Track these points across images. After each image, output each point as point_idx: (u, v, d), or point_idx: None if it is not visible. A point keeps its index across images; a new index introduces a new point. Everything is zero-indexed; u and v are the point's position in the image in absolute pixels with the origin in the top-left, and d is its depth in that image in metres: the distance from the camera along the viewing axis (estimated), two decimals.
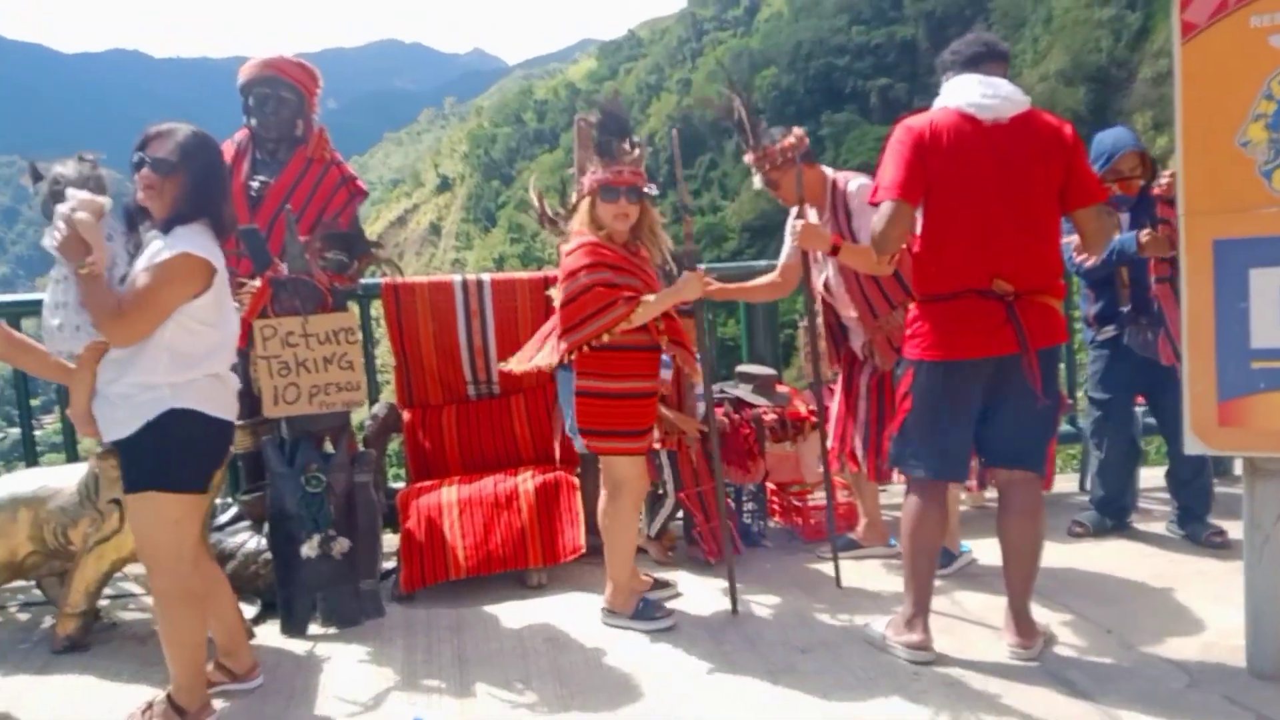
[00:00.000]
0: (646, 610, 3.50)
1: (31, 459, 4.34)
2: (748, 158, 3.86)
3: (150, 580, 2.84)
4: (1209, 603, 3.44)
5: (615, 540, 3.50)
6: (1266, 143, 2.65)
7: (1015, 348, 2.94)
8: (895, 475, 3.81)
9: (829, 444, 3.99)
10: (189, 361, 2.74)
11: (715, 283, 3.79)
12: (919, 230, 3.06)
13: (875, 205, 3.03)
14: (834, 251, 3.52)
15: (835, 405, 4.09)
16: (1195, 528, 4.07)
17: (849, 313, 3.89)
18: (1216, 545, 3.96)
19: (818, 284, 3.90)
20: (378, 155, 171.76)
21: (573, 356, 3.32)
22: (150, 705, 2.85)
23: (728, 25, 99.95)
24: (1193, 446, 2.83)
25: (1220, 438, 2.78)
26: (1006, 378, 2.99)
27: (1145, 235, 3.86)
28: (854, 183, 3.78)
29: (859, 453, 3.94)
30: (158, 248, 2.68)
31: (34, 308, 4.06)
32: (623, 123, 3.44)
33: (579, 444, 3.50)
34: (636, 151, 3.41)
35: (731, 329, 5.22)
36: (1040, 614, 3.41)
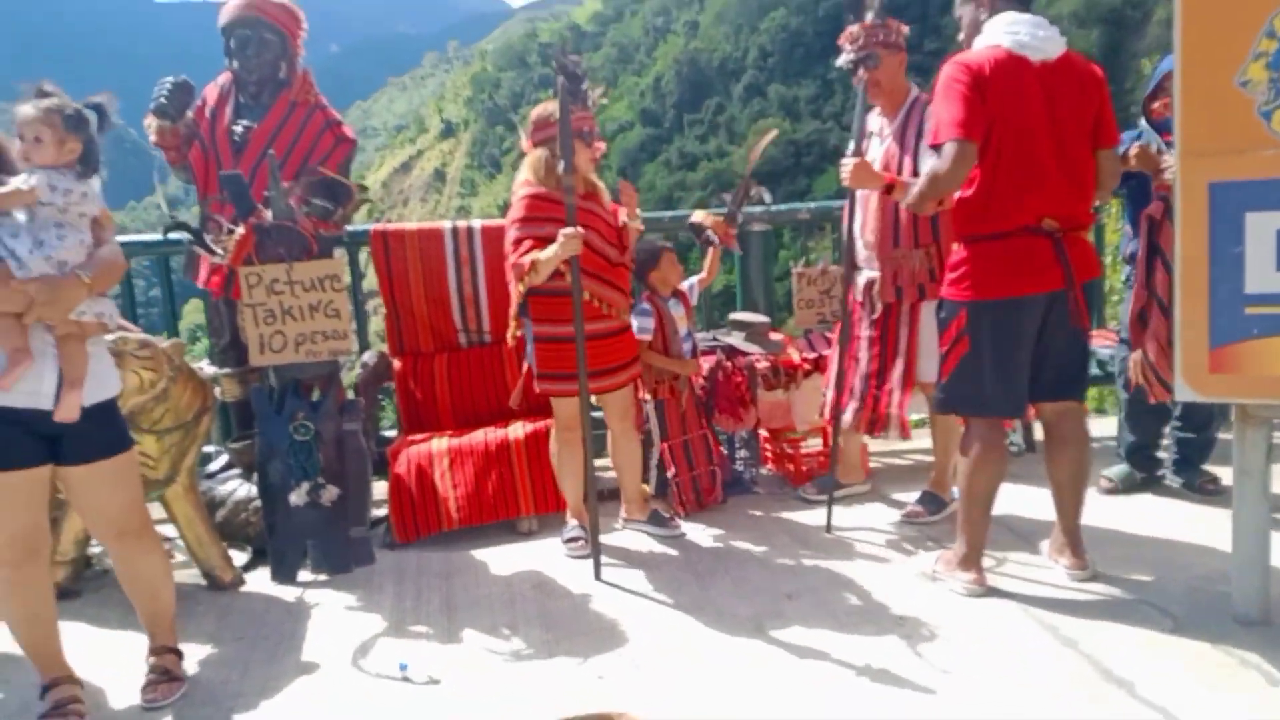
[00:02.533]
0: (658, 518, 3.85)
1: None
2: (849, 35, 3.68)
3: (148, 532, 2.83)
4: (1197, 548, 3.44)
5: (562, 474, 3.76)
6: (1267, 82, 2.56)
7: (1063, 283, 3.01)
8: (893, 429, 3.83)
9: (828, 394, 3.97)
10: None
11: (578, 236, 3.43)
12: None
13: (936, 147, 2.99)
14: (888, 191, 3.42)
15: (835, 354, 4.05)
16: (1190, 474, 4.03)
17: (868, 237, 3.78)
18: (1209, 492, 3.91)
19: (853, 204, 3.81)
20: (381, 101, 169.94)
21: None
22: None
23: None
24: (1183, 393, 2.79)
25: (1211, 385, 2.74)
26: (1053, 313, 3.06)
27: (1135, 148, 3.54)
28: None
29: (854, 403, 3.89)
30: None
31: None
32: (583, 73, 3.52)
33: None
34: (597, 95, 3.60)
35: (721, 279, 5.17)
36: (1028, 559, 3.42)
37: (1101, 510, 3.78)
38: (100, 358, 2.68)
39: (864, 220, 3.80)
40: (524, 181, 3.56)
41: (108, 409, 2.68)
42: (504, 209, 3.67)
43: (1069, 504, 3.26)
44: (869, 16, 3.65)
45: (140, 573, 2.83)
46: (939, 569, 3.31)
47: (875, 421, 3.87)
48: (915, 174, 3.48)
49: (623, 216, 3.67)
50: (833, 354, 4.06)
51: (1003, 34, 3.00)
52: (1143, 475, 4.09)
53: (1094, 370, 4.97)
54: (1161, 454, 4.14)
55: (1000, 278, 3.03)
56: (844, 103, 63.54)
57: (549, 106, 3.49)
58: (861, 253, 3.85)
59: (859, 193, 3.78)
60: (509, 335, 3.63)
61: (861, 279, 3.86)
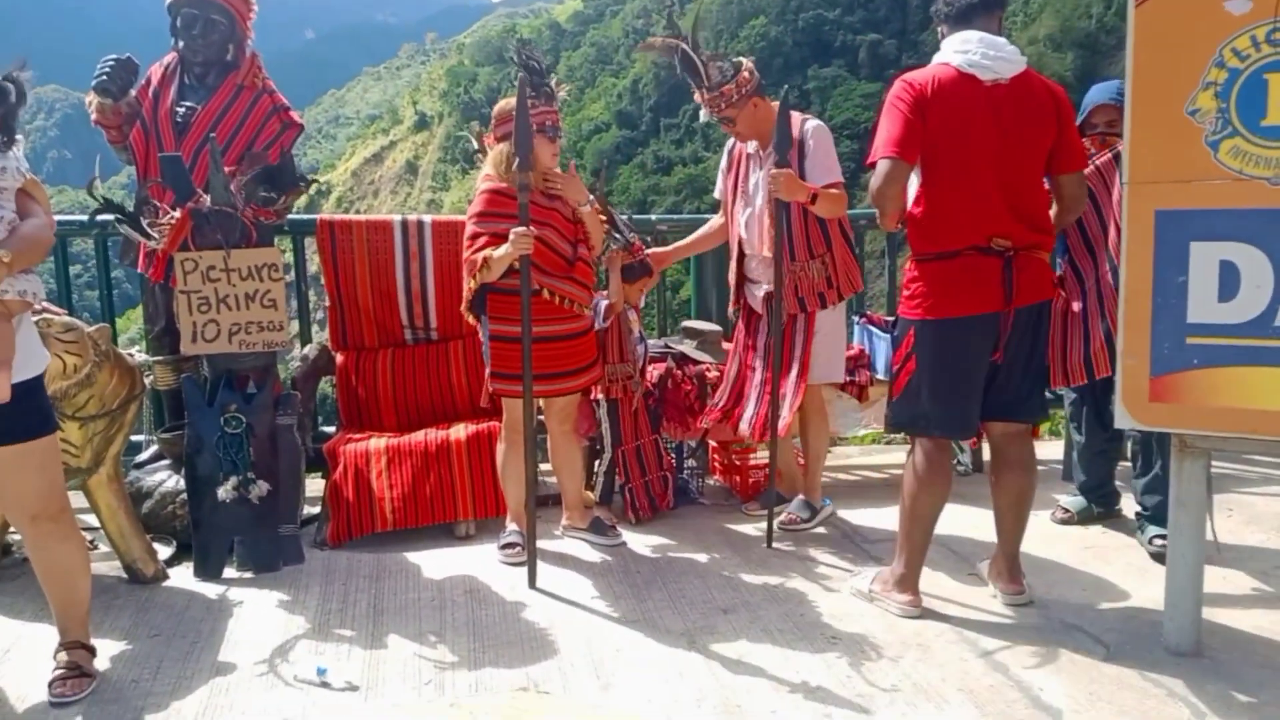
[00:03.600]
0: (599, 526, 3.79)
1: None
2: (699, 97, 3.75)
3: (64, 519, 2.69)
4: (1133, 576, 3.43)
5: (505, 477, 3.68)
6: (1215, 112, 2.55)
7: (1015, 302, 3.00)
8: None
9: (719, 403, 4.02)
10: None
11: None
12: (916, 189, 3.05)
13: (871, 165, 3.00)
14: (812, 201, 3.54)
15: (732, 366, 4.05)
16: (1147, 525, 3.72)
17: (763, 253, 3.82)
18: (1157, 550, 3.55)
19: (739, 221, 3.89)
20: (355, 89, 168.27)
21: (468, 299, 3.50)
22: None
23: None
24: (1123, 421, 2.77)
25: (1151, 413, 2.73)
26: (1011, 332, 3.04)
27: None
28: (811, 122, 3.74)
29: (750, 411, 3.91)
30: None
31: None
32: (545, 67, 3.50)
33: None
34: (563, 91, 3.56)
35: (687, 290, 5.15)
36: (966, 581, 3.39)
37: (1045, 536, 3.76)
38: (26, 336, 2.57)
39: (758, 235, 3.83)
40: (484, 176, 3.52)
41: (33, 389, 2.58)
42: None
43: (1010, 529, 3.24)
44: (707, 91, 3.68)
45: (55, 561, 2.71)
46: (875, 589, 3.27)
47: (767, 427, 3.86)
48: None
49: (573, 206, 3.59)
50: (729, 365, 4.08)
51: (953, 53, 3.00)
52: (1100, 510, 3.99)
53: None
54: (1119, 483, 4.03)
55: (948, 297, 3.02)
56: (820, 114, 63.88)
57: (511, 101, 3.42)
58: (758, 268, 3.91)
59: (751, 209, 3.85)
60: (471, 322, 3.61)
61: (759, 291, 3.91)
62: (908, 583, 3.20)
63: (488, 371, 3.58)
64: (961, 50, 2.98)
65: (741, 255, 3.96)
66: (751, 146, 3.85)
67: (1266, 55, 2.49)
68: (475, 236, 3.42)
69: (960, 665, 2.83)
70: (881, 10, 72.87)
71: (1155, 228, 2.64)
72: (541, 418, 3.86)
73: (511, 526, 3.69)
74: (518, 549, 3.57)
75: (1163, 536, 3.38)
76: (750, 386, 3.96)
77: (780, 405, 3.79)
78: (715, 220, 4.14)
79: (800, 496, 4.03)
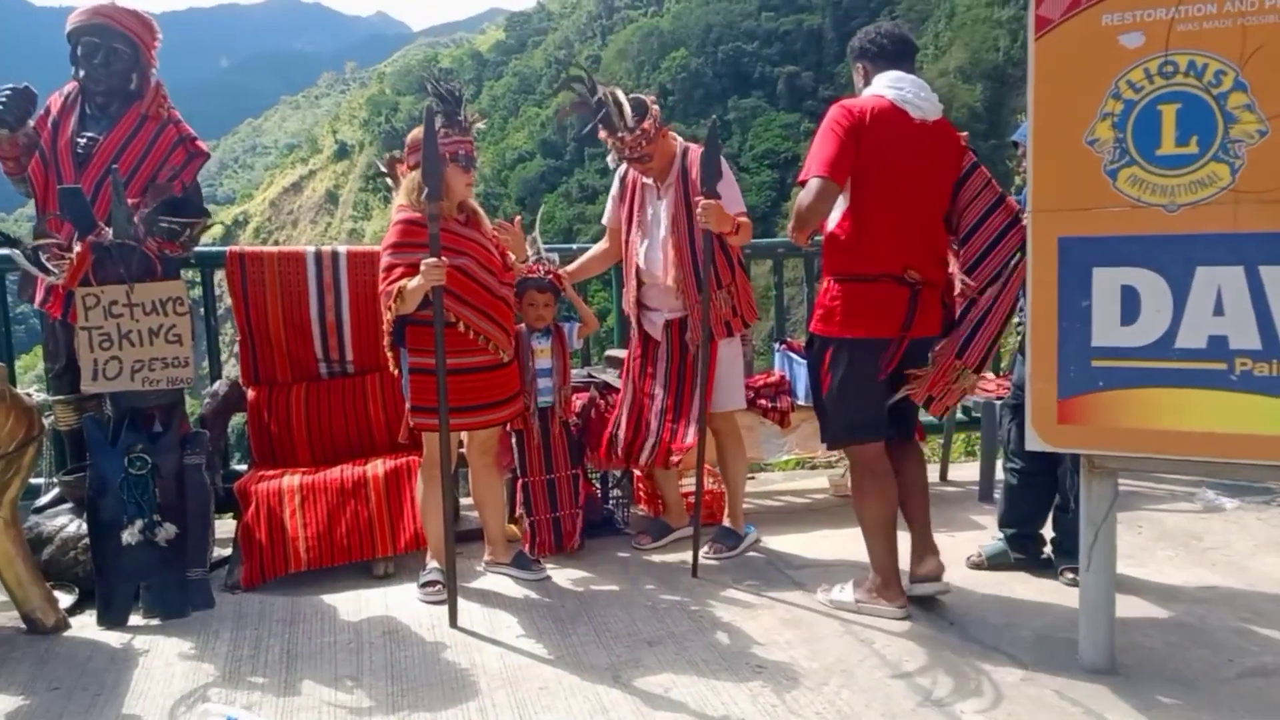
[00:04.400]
0: (522, 560, 3.75)
1: None
2: (615, 143, 3.74)
3: None
4: (1050, 596, 3.49)
5: (426, 515, 3.60)
6: (1113, 142, 2.64)
7: (915, 333, 3.20)
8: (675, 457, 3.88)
9: (620, 434, 3.97)
10: None
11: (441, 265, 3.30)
12: (842, 210, 3.17)
13: (802, 183, 3.10)
14: (735, 231, 3.62)
15: (628, 394, 4.03)
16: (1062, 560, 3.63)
17: (665, 283, 3.85)
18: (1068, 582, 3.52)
19: (638, 251, 3.90)
20: (273, 118, 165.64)
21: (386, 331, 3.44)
22: None
23: (639, 4, 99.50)
24: (1033, 443, 2.83)
25: (1060, 435, 2.79)
26: (896, 359, 3.25)
27: None
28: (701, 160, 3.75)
29: (651, 440, 3.91)
30: None
31: None
32: (459, 97, 3.45)
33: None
34: (480, 123, 3.54)
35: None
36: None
37: (964, 558, 3.81)
38: None
39: (661, 265, 3.85)
40: (399, 206, 3.47)
41: None
42: None
43: (922, 507, 3.42)
44: (626, 134, 3.69)
45: None
46: (860, 598, 3.34)
47: (669, 455, 3.91)
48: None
49: (510, 258, 3.62)
50: (623, 395, 4.06)
51: (886, 88, 3.16)
52: (1019, 557, 3.72)
53: (959, 415, 5.10)
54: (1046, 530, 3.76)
55: (866, 318, 3.17)
56: (741, 144, 64.87)
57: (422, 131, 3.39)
58: (659, 296, 3.93)
59: (646, 245, 3.89)
60: (391, 366, 3.54)
61: (659, 319, 3.93)
62: (892, 586, 3.31)
63: (408, 405, 3.51)
64: (896, 87, 3.16)
65: (638, 284, 3.97)
66: (648, 177, 3.86)
67: (1159, 87, 2.59)
68: (391, 268, 3.36)
69: (883, 690, 2.84)
70: (798, 43, 74.47)
71: (1059, 254, 2.71)
72: (463, 451, 3.79)
73: (432, 564, 3.61)
74: (438, 587, 3.50)
75: (1074, 569, 3.31)
76: (650, 414, 3.95)
77: (686, 433, 3.81)
78: (600, 245, 4.17)
79: (725, 524, 4.03)
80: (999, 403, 4.20)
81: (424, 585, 3.55)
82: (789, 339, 4.76)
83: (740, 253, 3.94)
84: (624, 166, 3.94)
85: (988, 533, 3.96)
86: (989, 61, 59.89)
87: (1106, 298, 2.68)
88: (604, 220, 4.13)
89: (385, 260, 3.40)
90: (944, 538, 3.93)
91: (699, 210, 3.54)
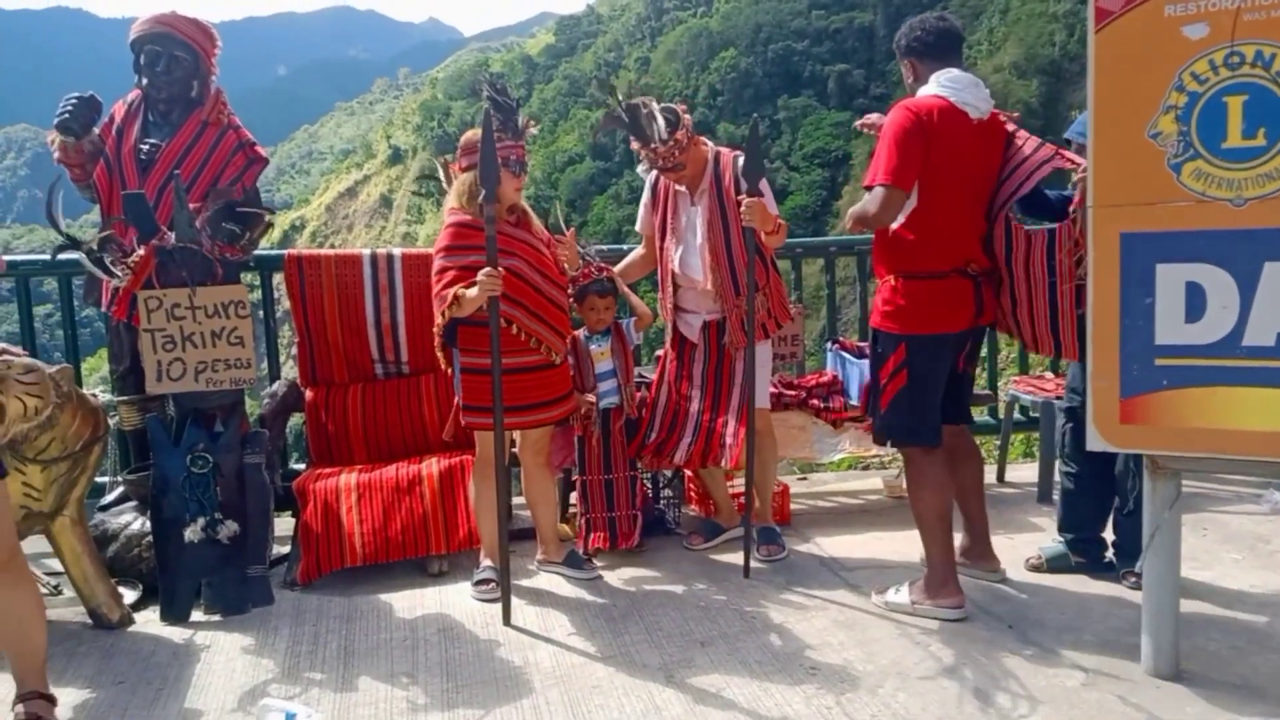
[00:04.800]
0: (574, 559, 3.75)
1: None
2: (644, 152, 3.75)
3: (14, 566, 2.58)
4: (1112, 598, 3.42)
5: (481, 511, 3.62)
6: (1176, 135, 2.58)
7: (984, 320, 3.32)
8: (726, 458, 3.85)
9: (651, 437, 3.96)
10: None
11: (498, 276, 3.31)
12: (909, 211, 3.17)
13: (869, 188, 3.13)
14: (775, 230, 3.62)
15: (663, 395, 4.02)
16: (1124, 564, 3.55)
17: (704, 287, 3.84)
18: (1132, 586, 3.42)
19: (673, 257, 3.89)
20: (329, 124, 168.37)
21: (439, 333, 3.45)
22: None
23: (688, 5, 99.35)
24: (1094, 443, 2.77)
25: (1122, 435, 2.73)
26: (967, 346, 3.37)
27: None
28: (744, 156, 3.74)
29: (686, 440, 3.90)
30: None
31: None
32: (515, 103, 3.48)
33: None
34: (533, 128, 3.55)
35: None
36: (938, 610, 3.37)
37: (1023, 559, 3.74)
38: None
39: (700, 270, 3.84)
40: (450, 209, 3.48)
41: None
42: None
43: (979, 510, 3.54)
44: (659, 145, 3.68)
45: (6, 610, 2.60)
46: (916, 599, 3.32)
47: (708, 453, 3.89)
48: (742, 229, 3.62)
49: (564, 264, 3.64)
50: (656, 396, 4.04)
51: (942, 87, 3.16)
52: (1079, 561, 3.63)
53: (1017, 416, 5.02)
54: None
55: (937, 314, 3.20)
56: (791, 144, 64.45)
57: (477, 132, 3.38)
58: (696, 300, 3.92)
59: (680, 251, 3.88)
60: (443, 365, 3.57)
61: (697, 321, 3.93)
62: (949, 584, 3.30)
63: (459, 404, 3.54)
64: (953, 87, 3.14)
65: (674, 287, 3.97)
66: (681, 185, 3.85)
67: (1225, 79, 2.52)
68: (443, 271, 3.37)
69: (939, 693, 2.81)
70: (849, 41, 73.79)
71: (1121, 250, 2.65)
72: (514, 450, 3.82)
73: (486, 562, 3.64)
74: (492, 585, 3.52)
75: (1136, 573, 3.33)
76: (686, 417, 3.94)
77: (724, 434, 3.81)
78: (638, 251, 4.15)
79: (770, 525, 4.00)
80: (1057, 404, 4.12)
81: (478, 583, 3.58)
82: (840, 338, 4.72)
83: (774, 255, 3.93)
84: (654, 174, 3.93)
85: (1047, 534, 3.89)
86: (1044, 57, 58.81)
87: (1171, 295, 2.61)
88: (638, 228, 4.12)
89: (438, 263, 3.42)
90: (1002, 540, 3.90)
91: (743, 207, 3.53)
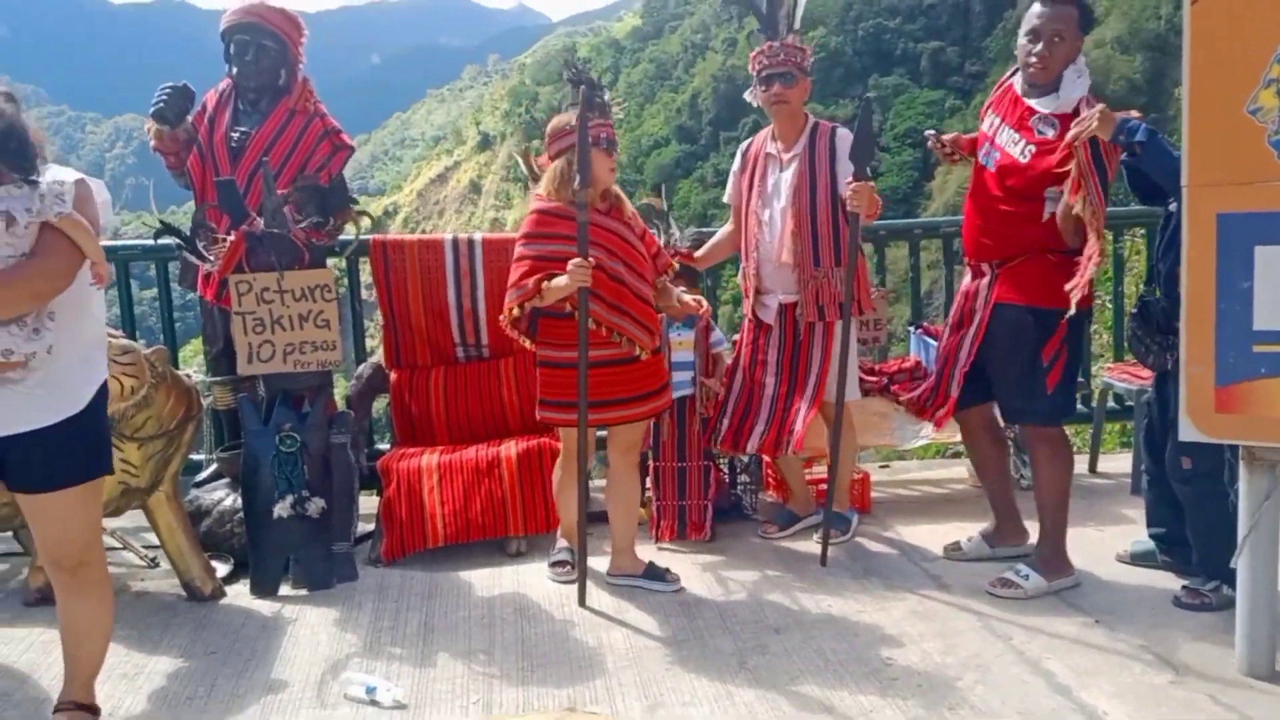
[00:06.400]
0: (654, 571, 3.51)
1: None
2: (757, 59, 3.65)
3: (83, 574, 2.49)
4: None
5: (564, 508, 3.58)
6: (1277, 111, 2.45)
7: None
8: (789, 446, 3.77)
9: (725, 422, 3.89)
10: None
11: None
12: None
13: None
14: (876, 214, 3.59)
15: (737, 380, 3.94)
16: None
17: (782, 258, 3.74)
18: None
19: (755, 226, 3.81)
20: (420, 111, 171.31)
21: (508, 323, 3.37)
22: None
23: None
24: (1187, 433, 2.66)
25: (1217, 425, 2.62)
26: None
27: None
28: (843, 130, 3.71)
29: (760, 427, 3.83)
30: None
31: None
32: (597, 79, 3.39)
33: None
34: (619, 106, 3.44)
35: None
36: (1023, 602, 3.29)
37: (1112, 553, 3.63)
38: (50, 380, 2.35)
39: (777, 243, 3.74)
40: (535, 195, 3.41)
41: (60, 435, 2.37)
42: None
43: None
44: (790, 37, 3.60)
45: (68, 613, 2.52)
46: (1051, 580, 3.32)
47: (779, 442, 3.81)
48: (830, 200, 3.63)
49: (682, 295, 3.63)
50: (732, 379, 3.96)
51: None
52: (1166, 559, 3.47)
53: (1111, 404, 4.86)
54: None
55: (1090, 288, 3.18)
56: (881, 124, 63.17)
57: (566, 116, 3.31)
58: (774, 276, 3.81)
59: (767, 215, 3.77)
60: (525, 342, 3.47)
61: (773, 302, 3.82)
62: (1064, 556, 3.38)
63: (538, 397, 3.46)
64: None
65: (755, 263, 3.86)
66: (773, 146, 3.78)
67: None
68: (521, 259, 3.30)
69: (1021, 686, 2.74)
70: (943, 18, 71.92)
71: (1217, 231, 2.54)
72: (603, 434, 3.69)
73: (562, 543, 3.67)
74: (568, 567, 3.55)
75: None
76: (760, 403, 3.86)
77: (795, 421, 3.75)
78: (726, 227, 4.06)
79: (842, 512, 3.95)
80: (1143, 395, 3.97)
81: (554, 565, 3.61)
82: (924, 324, 4.62)
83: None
84: (746, 141, 3.88)
85: (1138, 528, 3.75)
86: (1150, 31, 56.39)
87: (1270, 278, 2.50)
88: (725, 197, 4.04)
89: (517, 250, 3.35)
90: (1092, 531, 3.80)
91: (849, 193, 3.45)
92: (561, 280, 3.18)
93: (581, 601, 3.37)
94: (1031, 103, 3.22)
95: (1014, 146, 3.23)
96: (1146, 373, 4.32)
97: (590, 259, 3.18)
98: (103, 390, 2.52)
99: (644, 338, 3.35)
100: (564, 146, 3.28)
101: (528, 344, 3.46)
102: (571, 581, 3.45)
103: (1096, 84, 3.13)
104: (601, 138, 3.28)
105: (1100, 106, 3.00)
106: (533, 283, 3.23)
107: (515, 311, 3.31)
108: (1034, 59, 3.17)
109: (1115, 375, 4.51)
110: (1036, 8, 3.21)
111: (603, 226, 3.32)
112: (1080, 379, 4.76)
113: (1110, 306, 5.32)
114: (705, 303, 3.91)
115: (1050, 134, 3.14)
